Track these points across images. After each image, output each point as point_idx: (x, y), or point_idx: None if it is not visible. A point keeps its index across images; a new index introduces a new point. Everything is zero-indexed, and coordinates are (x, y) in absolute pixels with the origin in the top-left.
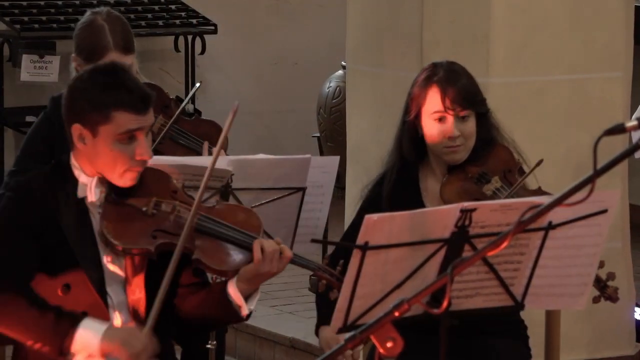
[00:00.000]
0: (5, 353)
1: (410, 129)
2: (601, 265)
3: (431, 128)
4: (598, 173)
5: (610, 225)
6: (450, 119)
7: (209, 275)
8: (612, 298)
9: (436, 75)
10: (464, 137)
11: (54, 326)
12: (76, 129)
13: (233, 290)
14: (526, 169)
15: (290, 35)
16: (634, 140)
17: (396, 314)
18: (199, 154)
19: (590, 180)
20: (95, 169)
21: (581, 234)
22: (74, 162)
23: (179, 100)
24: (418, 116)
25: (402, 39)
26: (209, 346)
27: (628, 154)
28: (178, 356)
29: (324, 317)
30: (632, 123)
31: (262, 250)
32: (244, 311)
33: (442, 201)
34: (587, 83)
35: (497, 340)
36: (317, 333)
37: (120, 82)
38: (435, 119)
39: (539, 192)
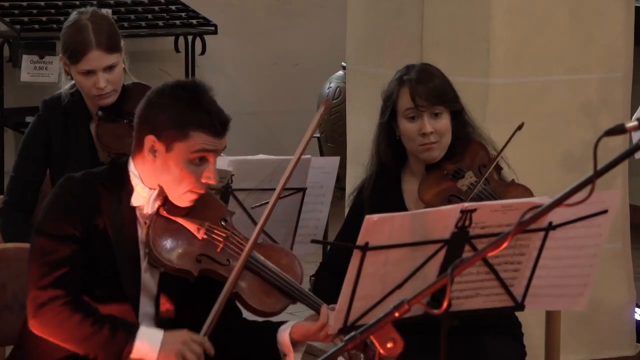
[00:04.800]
0: (6, 353)
1: (386, 131)
2: None
3: (405, 127)
4: (598, 174)
5: (610, 226)
6: (422, 116)
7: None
8: None
9: (407, 75)
10: (438, 134)
11: (110, 340)
12: (149, 140)
13: (283, 338)
14: (503, 165)
15: (290, 36)
16: (634, 140)
17: (396, 314)
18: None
19: (590, 181)
20: (158, 182)
21: (581, 235)
22: (133, 169)
23: None
24: (393, 117)
25: (403, 39)
26: None
27: (628, 154)
28: None
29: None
30: (632, 123)
31: (328, 318)
32: None
33: (420, 200)
34: (587, 83)
35: (494, 338)
36: None
37: (202, 102)
38: (409, 118)
39: (512, 184)
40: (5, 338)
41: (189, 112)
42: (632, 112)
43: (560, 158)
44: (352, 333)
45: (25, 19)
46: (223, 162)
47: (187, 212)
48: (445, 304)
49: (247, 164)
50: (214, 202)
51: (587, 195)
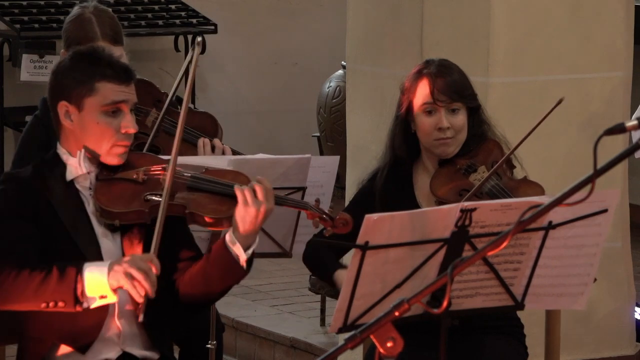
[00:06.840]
0: (6, 353)
1: (402, 124)
2: None
3: (422, 121)
4: (598, 173)
5: (610, 225)
6: (440, 110)
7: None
8: None
9: (427, 69)
10: (455, 130)
11: (60, 279)
12: (62, 107)
13: (230, 239)
14: (516, 163)
15: (290, 35)
16: (634, 139)
17: (396, 313)
18: (195, 145)
19: (590, 180)
20: (83, 144)
21: (581, 234)
22: (60, 147)
23: (179, 100)
24: (410, 111)
25: (402, 38)
26: (208, 346)
27: (628, 153)
28: (177, 356)
29: (333, 263)
30: (632, 123)
31: (243, 191)
32: (242, 257)
33: (432, 194)
34: (587, 83)
35: (494, 338)
36: (332, 280)
37: (101, 57)
38: (426, 112)
39: (524, 181)
40: (5, 338)
41: (90, 68)
42: (632, 112)
43: (559, 157)
44: (352, 332)
45: (25, 18)
46: (223, 161)
47: (123, 168)
48: (445, 303)
49: (247, 164)
50: (149, 156)
51: (587, 195)
